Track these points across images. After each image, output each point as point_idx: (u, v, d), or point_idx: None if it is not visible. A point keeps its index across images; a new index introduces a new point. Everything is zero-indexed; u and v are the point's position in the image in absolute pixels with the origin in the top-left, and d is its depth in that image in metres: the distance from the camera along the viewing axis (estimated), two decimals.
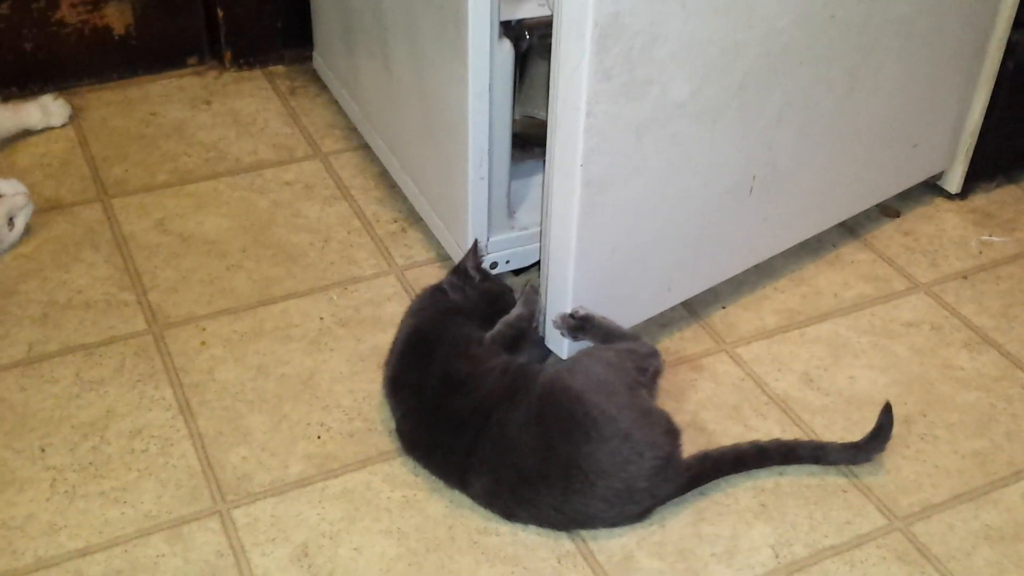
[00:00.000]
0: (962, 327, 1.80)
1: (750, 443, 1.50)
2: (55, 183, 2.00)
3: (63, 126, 2.14)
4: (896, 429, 1.60)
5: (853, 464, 1.53)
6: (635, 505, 1.41)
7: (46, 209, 1.93)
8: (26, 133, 2.11)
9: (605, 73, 1.37)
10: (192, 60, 2.35)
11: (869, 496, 1.50)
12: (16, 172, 1.98)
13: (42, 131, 2.12)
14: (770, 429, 1.59)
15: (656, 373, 1.53)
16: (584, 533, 1.42)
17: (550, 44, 1.41)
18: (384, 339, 1.69)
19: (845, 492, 1.51)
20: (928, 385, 1.69)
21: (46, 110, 2.12)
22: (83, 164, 2.06)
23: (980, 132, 2.00)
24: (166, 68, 2.33)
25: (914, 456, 1.57)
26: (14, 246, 1.84)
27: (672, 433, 1.44)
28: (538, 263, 1.72)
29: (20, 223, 1.84)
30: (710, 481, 1.48)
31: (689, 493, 1.48)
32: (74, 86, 2.26)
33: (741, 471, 1.50)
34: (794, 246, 1.88)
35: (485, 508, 1.44)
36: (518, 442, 1.40)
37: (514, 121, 1.69)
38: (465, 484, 1.44)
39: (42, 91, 2.22)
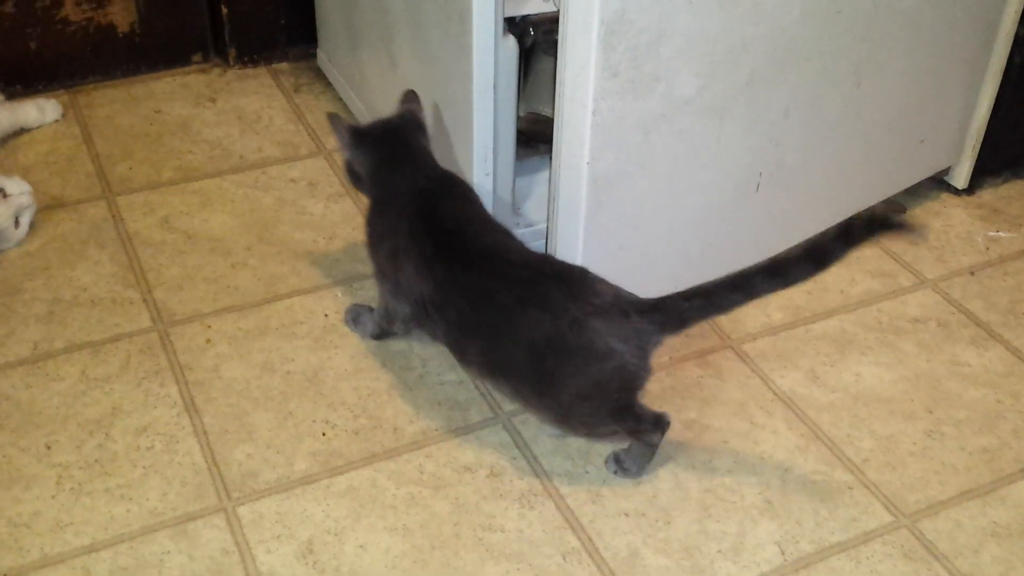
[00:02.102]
0: (969, 323, 1.79)
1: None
2: (60, 181, 2.00)
3: (56, 122, 2.15)
4: (903, 426, 1.60)
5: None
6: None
7: (51, 207, 1.93)
8: (22, 131, 2.11)
9: (611, 70, 1.37)
10: (196, 58, 2.35)
11: (876, 493, 1.50)
12: (21, 170, 1.98)
13: (38, 128, 2.13)
14: (776, 426, 1.58)
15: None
16: (589, 530, 1.42)
17: (554, 40, 1.41)
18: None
19: (851, 489, 1.50)
20: (935, 381, 1.68)
21: (41, 108, 2.13)
22: (88, 162, 2.06)
23: (987, 127, 1.99)
24: (170, 66, 2.33)
25: (921, 453, 1.56)
26: (20, 244, 1.84)
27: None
28: None
29: (25, 221, 1.84)
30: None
31: (694, 490, 1.48)
32: (79, 84, 2.26)
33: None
34: (801, 242, 1.87)
35: (477, 375, 1.49)
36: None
37: (519, 117, 1.69)
38: (462, 350, 1.47)
39: (47, 89, 2.22)
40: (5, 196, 1.80)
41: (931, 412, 1.63)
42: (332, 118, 1.61)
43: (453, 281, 1.45)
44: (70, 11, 2.18)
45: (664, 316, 1.37)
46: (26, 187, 1.84)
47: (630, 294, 1.40)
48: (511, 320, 1.39)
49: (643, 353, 1.38)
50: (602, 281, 1.41)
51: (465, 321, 1.44)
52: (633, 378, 1.40)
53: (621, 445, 1.50)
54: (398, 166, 1.57)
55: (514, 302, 1.39)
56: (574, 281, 1.39)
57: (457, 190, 1.57)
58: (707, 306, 1.38)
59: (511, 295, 1.40)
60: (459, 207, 1.53)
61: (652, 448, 1.48)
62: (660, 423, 1.46)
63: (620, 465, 1.49)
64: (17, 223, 1.83)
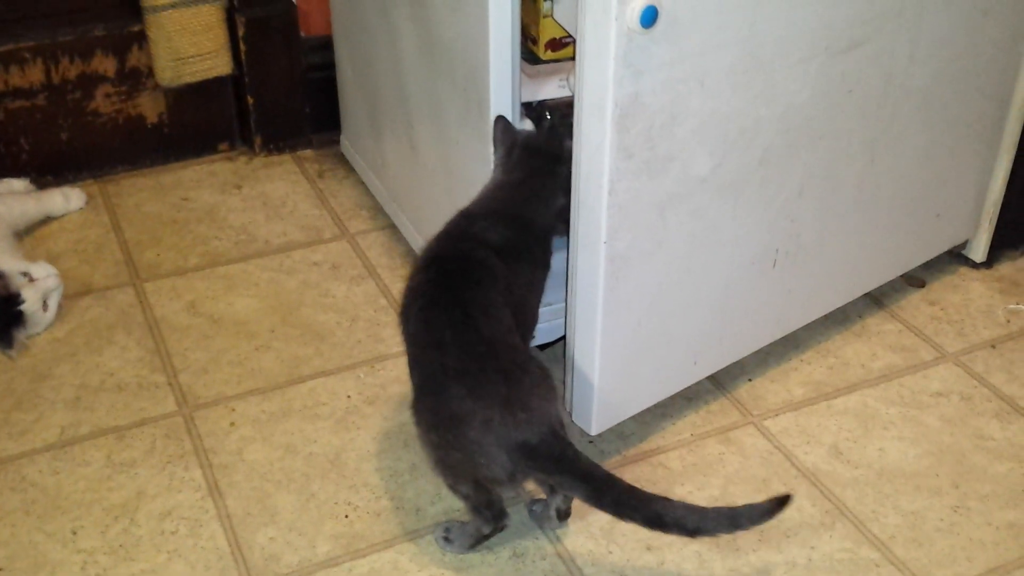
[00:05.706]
0: (992, 396, 1.79)
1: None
2: (89, 268, 2.04)
3: (81, 210, 2.20)
4: (928, 501, 1.58)
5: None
6: None
7: (80, 293, 1.97)
8: (48, 219, 2.16)
9: (626, 152, 1.39)
10: (223, 146, 2.41)
11: (903, 570, 1.48)
12: (51, 257, 2.02)
13: (64, 216, 2.17)
14: (800, 503, 1.57)
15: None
16: None
17: (570, 123, 1.44)
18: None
19: (878, 566, 1.49)
20: (959, 456, 1.67)
21: (67, 197, 2.19)
22: (116, 249, 2.10)
23: (1003, 200, 2.00)
24: (198, 154, 2.38)
25: (947, 529, 1.55)
26: (49, 327, 1.87)
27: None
28: (562, 339, 1.73)
29: (53, 304, 1.88)
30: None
31: (719, 569, 1.46)
32: (108, 173, 2.31)
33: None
34: (820, 317, 1.88)
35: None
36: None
37: None
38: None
39: (77, 179, 2.28)
40: (32, 280, 1.84)
41: (957, 487, 1.61)
42: (498, 120, 1.58)
43: (425, 318, 1.43)
44: (100, 103, 2.25)
45: (554, 469, 1.35)
46: (52, 270, 1.88)
47: (560, 423, 1.38)
48: (445, 381, 1.37)
49: (518, 480, 1.38)
50: (548, 398, 1.38)
51: (417, 359, 1.44)
52: (499, 485, 1.40)
53: (463, 517, 1.51)
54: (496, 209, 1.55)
55: (455, 373, 1.37)
56: (518, 388, 1.36)
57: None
58: (593, 495, 1.34)
59: (456, 361, 1.37)
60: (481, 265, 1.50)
61: (480, 535, 1.48)
62: (499, 519, 1.47)
63: (447, 534, 1.50)
64: (45, 306, 1.86)
